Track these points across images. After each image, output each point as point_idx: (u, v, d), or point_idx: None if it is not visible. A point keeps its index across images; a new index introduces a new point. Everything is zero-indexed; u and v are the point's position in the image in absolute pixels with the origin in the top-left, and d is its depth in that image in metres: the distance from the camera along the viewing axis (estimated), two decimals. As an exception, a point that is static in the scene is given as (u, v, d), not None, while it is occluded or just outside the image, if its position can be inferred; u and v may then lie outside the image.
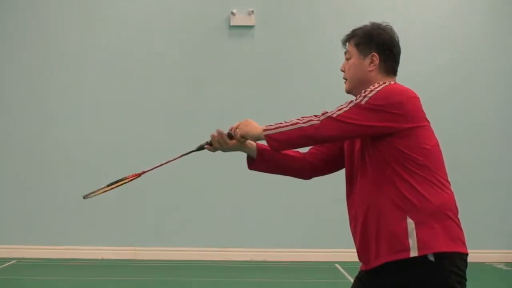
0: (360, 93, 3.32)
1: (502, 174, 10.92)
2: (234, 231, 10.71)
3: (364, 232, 3.33)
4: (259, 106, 10.68)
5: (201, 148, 3.59)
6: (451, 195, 3.32)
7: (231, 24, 10.89)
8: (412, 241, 3.18)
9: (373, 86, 3.33)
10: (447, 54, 10.95)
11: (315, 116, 3.33)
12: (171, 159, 3.64)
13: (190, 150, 3.60)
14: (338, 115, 3.27)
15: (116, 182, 3.67)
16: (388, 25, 3.49)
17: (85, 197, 3.67)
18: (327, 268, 10.09)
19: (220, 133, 3.52)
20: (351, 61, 3.47)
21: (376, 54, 3.42)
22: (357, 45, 3.45)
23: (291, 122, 3.35)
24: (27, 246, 10.67)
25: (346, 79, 3.51)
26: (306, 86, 10.87)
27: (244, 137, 3.45)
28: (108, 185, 3.68)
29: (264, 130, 3.36)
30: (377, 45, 3.43)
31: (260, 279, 9.37)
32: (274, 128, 3.35)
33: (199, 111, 10.83)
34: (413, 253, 3.17)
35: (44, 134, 10.82)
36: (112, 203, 10.66)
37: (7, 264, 10.07)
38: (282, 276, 9.51)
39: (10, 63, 10.89)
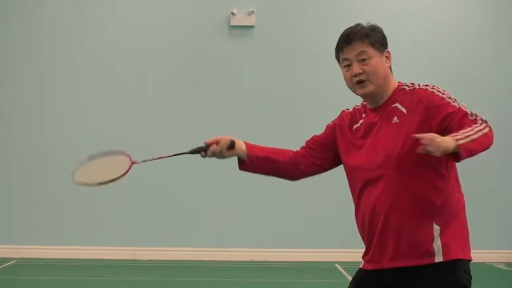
0: (443, 95, 3.28)
1: (503, 174, 10.92)
2: (234, 231, 10.71)
3: (383, 231, 3.31)
4: (259, 106, 10.69)
5: (194, 152, 3.57)
6: (463, 195, 3.38)
7: (231, 24, 10.89)
8: (437, 247, 3.23)
9: (437, 88, 3.33)
10: (452, 56, 10.95)
11: (474, 119, 3.15)
12: (164, 155, 3.62)
13: (183, 152, 3.59)
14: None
15: (108, 181, 3.63)
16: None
17: (75, 183, 3.60)
18: (327, 268, 10.09)
19: (219, 147, 3.48)
20: (373, 61, 3.35)
21: (388, 50, 3.42)
22: (373, 44, 3.36)
23: (473, 129, 3.08)
24: (27, 246, 10.67)
25: (365, 80, 3.36)
26: (306, 86, 10.86)
27: (444, 151, 2.99)
28: (99, 184, 3.64)
29: (457, 140, 3.00)
30: (386, 41, 3.43)
31: (260, 279, 9.37)
32: (464, 137, 3.02)
33: (199, 111, 10.83)
34: (438, 258, 3.23)
35: (43, 135, 10.82)
36: (112, 203, 10.67)
37: (7, 264, 10.07)
38: (282, 276, 9.51)
39: (5, 63, 10.89)
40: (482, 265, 10.23)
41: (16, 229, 10.73)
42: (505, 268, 10.32)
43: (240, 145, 3.53)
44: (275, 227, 10.71)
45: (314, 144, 3.60)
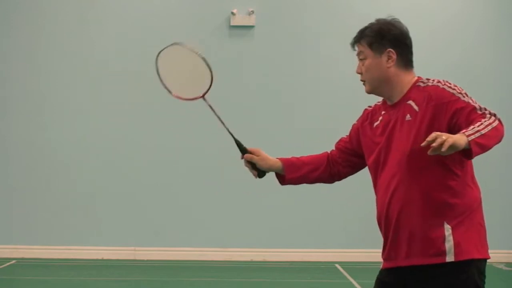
0: (453, 90, 3.26)
1: (503, 175, 10.91)
2: (234, 231, 10.71)
3: (397, 229, 3.32)
4: (259, 106, 10.68)
5: (238, 144, 3.71)
6: (479, 190, 3.37)
7: (231, 24, 10.89)
8: (448, 246, 3.22)
9: (448, 83, 3.29)
10: (452, 56, 10.95)
11: (483, 114, 3.16)
12: (224, 122, 3.69)
13: (234, 137, 3.68)
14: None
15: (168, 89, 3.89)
16: (394, 19, 3.49)
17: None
18: (327, 268, 10.08)
19: (249, 166, 3.66)
20: (367, 62, 3.41)
21: (392, 50, 3.39)
22: (370, 45, 3.40)
23: (483, 123, 3.11)
24: (27, 246, 10.67)
25: (364, 81, 3.45)
26: (306, 86, 10.86)
27: (453, 148, 3.00)
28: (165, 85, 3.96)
29: (467, 136, 3.04)
30: (390, 40, 3.40)
31: (260, 279, 9.37)
32: (474, 133, 3.06)
33: (199, 111, 10.81)
34: (449, 258, 3.22)
35: (42, 134, 10.81)
36: (112, 203, 10.67)
37: (7, 264, 10.06)
38: (282, 276, 9.51)
39: (4, 63, 10.88)
40: (482, 265, 10.21)
41: (16, 229, 10.72)
42: (505, 268, 10.32)
43: (276, 165, 3.64)
44: (274, 227, 10.70)
45: (344, 148, 3.66)
